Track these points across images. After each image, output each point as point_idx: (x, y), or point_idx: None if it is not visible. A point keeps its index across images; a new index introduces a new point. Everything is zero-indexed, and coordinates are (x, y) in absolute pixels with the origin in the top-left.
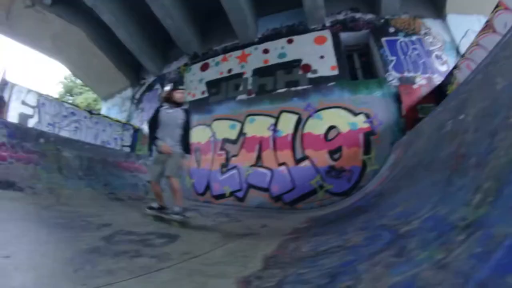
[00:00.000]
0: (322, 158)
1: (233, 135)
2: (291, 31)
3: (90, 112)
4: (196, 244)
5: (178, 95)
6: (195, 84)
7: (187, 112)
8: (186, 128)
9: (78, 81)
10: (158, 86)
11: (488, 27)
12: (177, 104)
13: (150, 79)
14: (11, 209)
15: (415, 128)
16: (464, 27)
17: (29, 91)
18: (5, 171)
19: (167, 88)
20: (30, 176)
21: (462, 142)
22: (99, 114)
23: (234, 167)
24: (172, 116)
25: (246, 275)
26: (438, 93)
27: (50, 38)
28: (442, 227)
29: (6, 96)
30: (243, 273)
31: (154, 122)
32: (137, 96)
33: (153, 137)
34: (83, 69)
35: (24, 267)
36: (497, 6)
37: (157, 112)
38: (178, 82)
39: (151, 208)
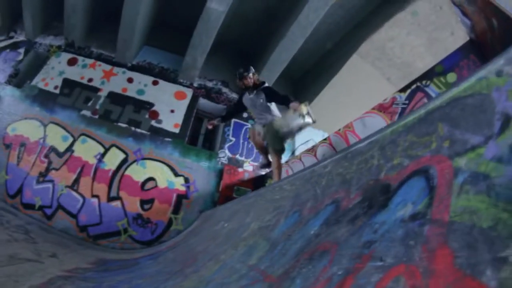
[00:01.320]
0: (133, 204)
1: (62, 147)
2: (161, 74)
3: None
4: None
5: (247, 81)
6: (54, 74)
7: (265, 89)
8: (276, 97)
9: None
10: (22, 50)
11: (312, 150)
12: (254, 87)
13: (20, 37)
14: None
15: (213, 210)
16: (308, 136)
17: None
18: None
19: (237, 77)
20: None
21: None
22: None
23: (51, 181)
24: (253, 100)
25: None
26: (258, 183)
27: None
28: None
29: None
30: None
31: (235, 106)
32: None
33: (222, 116)
34: None
35: None
36: (325, 139)
37: (240, 98)
38: (242, 70)
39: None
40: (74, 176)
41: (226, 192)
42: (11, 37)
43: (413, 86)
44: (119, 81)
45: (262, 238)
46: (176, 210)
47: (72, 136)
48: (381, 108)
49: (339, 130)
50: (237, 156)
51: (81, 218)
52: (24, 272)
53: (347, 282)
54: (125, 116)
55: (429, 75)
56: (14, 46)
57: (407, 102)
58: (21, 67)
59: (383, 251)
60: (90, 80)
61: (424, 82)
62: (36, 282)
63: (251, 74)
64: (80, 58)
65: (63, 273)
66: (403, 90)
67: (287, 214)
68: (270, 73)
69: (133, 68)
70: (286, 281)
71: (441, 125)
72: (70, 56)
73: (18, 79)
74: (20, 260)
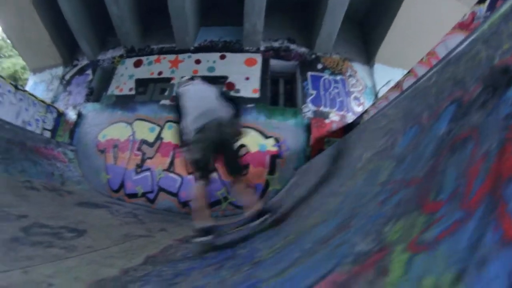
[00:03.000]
0: None
1: (151, 138)
2: (226, 47)
3: (15, 86)
4: (99, 240)
5: None
6: (124, 79)
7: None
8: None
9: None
10: (89, 71)
11: (398, 86)
12: None
13: (83, 61)
14: None
15: (309, 163)
16: (387, 77)
17: None
18: None
19: None
20: None
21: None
22: (24, 90)
23: (148, 169)
24: None
25: (128, 267)
26: (347, 131)
27: None
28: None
29: None
30: (126, 265)
31: None
32: (67, 77)
33: None
34: (17, 31)
35: None
36: (409, 72)
37: None
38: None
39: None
40: (168, 160)
41: (317, 146)
42: (76, 65)
43: None
44: (187, 66)
45: (382, 160)
46: (271, 171)
47: (158, 125)
48: (462, 26)
49: (422, 59)
50: (321, 108)
51: (182, 195)
52: (139, 246)
53: (507, 149)
54: None
55: None
56: (81, 71)
57: (489, 13)
58: (94, 85)
59: None
60: (160, 73)
61: None
62: (152, 252)
63: None
64: (144, 58)
65: (174, 242)
66: (481, 1)
67: (403, 132)
68: (333, 17)
69: (197, 50)
70: (436, 176)
71: None
72: (134, 59)
73: (94, 95)
74: (134, 237)
